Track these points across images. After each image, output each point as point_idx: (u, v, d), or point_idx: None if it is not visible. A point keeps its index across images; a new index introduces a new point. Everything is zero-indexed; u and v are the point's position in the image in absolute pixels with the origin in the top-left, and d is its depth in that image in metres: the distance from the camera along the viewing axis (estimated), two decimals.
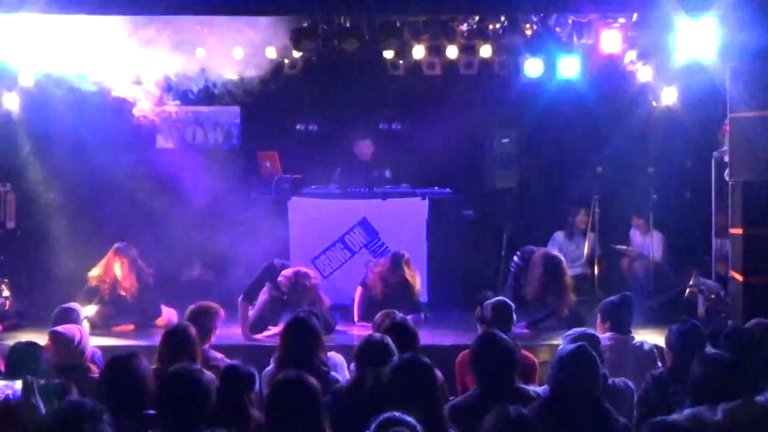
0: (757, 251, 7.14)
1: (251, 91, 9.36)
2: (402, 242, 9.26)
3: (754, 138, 7.11)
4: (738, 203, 7.34)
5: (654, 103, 9.57)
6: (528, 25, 8.75)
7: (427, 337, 6.79)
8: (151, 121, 9.27)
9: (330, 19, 8.66)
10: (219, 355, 5.74)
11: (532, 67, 9.51)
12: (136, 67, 8.54)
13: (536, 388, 4.63)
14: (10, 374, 4.65)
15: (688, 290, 8.11)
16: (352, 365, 4.77)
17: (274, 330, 7.46)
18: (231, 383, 4.17)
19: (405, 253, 8.32)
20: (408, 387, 3.97)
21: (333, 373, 5.12)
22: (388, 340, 4.74)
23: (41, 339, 5.39)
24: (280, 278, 7.56)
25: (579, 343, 4.33)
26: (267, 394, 3.94)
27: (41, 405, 4.14)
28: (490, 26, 9.01)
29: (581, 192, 9.93)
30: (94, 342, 6.00)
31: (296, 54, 9.52)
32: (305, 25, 8.76)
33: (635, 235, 10.17)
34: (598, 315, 5.97)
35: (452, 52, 9.50)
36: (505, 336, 4.75)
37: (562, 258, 8.22)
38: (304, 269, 7.71)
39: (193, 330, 5.25)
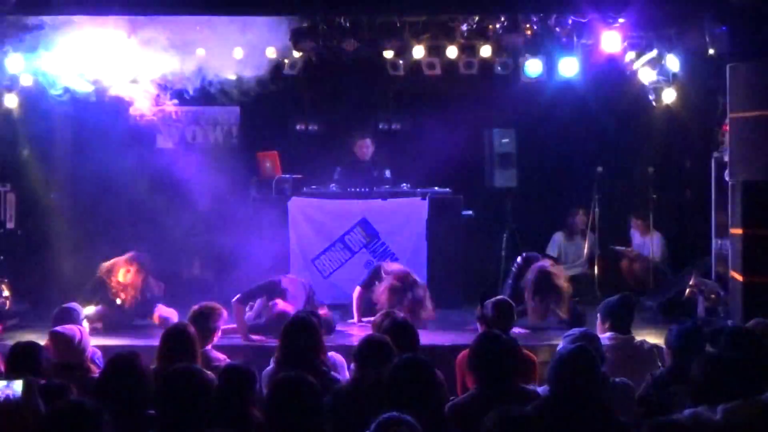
0: (757, 251, 7.13)
1: (251, 91, 9.35)
2: (402, 242, 9.28)
3: (754, 138, 7.11)
4: (738, 203, 7.33)
5: (654, 103, 9.56)
6: (528, 26, 8.74)
7: (427, 337, 6.79)
8: (150, 120, 9.26)
9: (330, 19, 8.66)
10: (221, 356, 5.75)
11: (533, 67, 9.50)
12: (134, 66, 8.54)
13: (536, 388, 4.63)
14: (10, 374, 4.64)
15: (688, 290, 8.10)
16: (352, 365, 4.77)
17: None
18: (231, 383, 4.17)
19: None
20: (408, 387, 3.98)
21: (333, 373, 5.12)
22: (388, 340, 4.74)
23: (41, 339, 5.39)
24: (276, 307, 7.51)
25: (579, 343, 4.33)
26: (267, 394, 3.94)
27: (41, 405, 4.13)
28: (490, 26, 9.01)
29: (581, 192, 9.94)
30: (94, 342, 6.00)
31: (296, 54, 9.52)
32: (305, 25, 8.76)
33: (635, 235, 10.17)
34: (598, 315, 5.97)
35: (452, 52, 9.50)
36: (505, 336, 4.75)
37: (550, 269, 7.94)
38: (290, 310, 7.38)
39: (192, 330, 5.26)
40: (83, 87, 8.51)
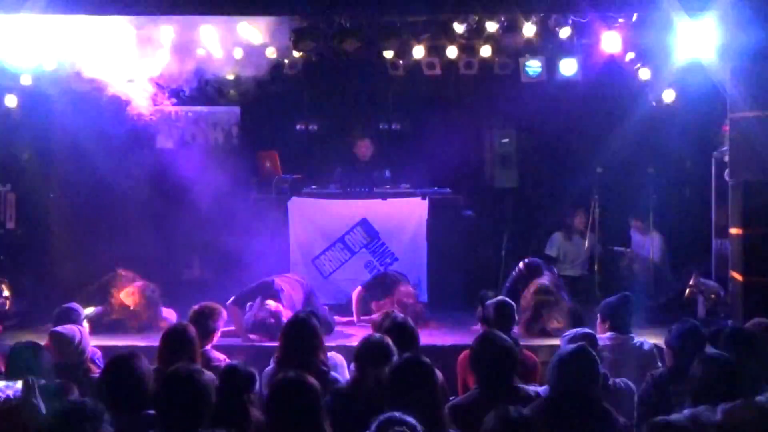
0: (757, 251, 7.13)
1: (251, 91, 9.36)
2: (402, 242, 9.28)
3: (754, 138, 7.11)
4: (738, 203, 7.34)
5: (654, 103, 9.56)
6: (528, 25, 8.74)
7: (427, 337, 6.79)
8: (148, 120, 9.25)
9: (330, 19, 8.66)
10: (221, 356, 5.75)
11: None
12: (134, 66, 8.54)
13: (536, 388, 4.63)
14: (10, 374, 4.65)
15: (688, 290, 8.10)
16: (352, 365, 4.77)
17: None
18: (231, 383, 4.17)
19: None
20: (408, 387, 3.98)
21: (333, 373, 5.12)
22: (388, 340, 4.74)
23: (41, 339, 5.39)
24: (266, 307, 7.50)
25: (579, 343, 4.34)
26: (267, 394, 3.94)
27: (41, 405, 4.14)
28: (490, 26, 9.01)
29: (581, 192, 9.94)
30: (94, 342, 6.00)
31: (296, 54, 9.52)
32: (305, 25, 8.76)
33: (635, 235, 10.16)
34: (598, 315, 5.97)
35: (452, 52, 9.50)
36: (505, 336, 4.75)
37: (551, 287, 7.79)
38: (282, 312, 7.37)
39: (193, 330, 5.26)
40: (80, 86, 8.48)
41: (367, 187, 9.55)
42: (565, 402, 4.05)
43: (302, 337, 5.13)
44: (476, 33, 9.05)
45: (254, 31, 8.68)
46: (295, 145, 10.63)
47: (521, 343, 5.89)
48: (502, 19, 8.75)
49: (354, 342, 4.97)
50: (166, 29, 8.45)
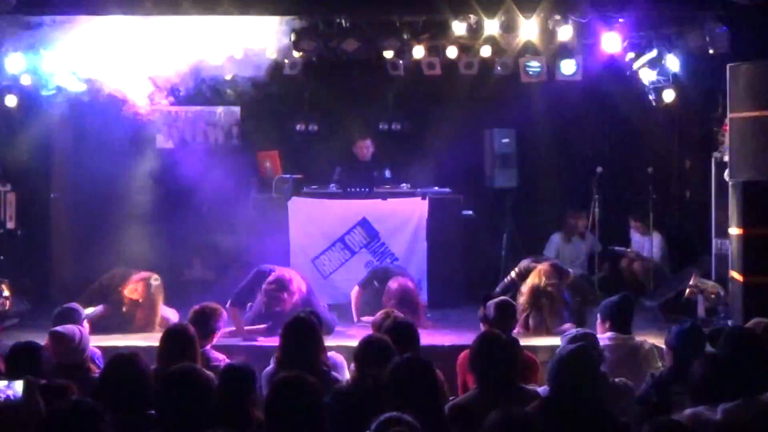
0: (757, 251, 7.13)
1: (251, 91, 9.35)
2: (402, 242, 9.28)
3: (754, 138, 7.11)
4: (738, 203, 7.33)
5: (654, 103, 9.56)
6: (528, 26, 8.72)
7: (427, 337, 6.79)
8: (145, 119, 9.25)
9: (330, 19, 8.66)
10: (221, 356, 5.75)
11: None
12: (132, 65, 8.54)
13: (536, 388, 4.63)
14: (10, 374, 4.63)
15: (688, 290, 8.10)
16: (352, 365, 4.76)
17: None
18: (231, 383, 4.17)
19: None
20: (408, 387, 3.97)
21: (333, 373, 5.12)
22: (388, 340, 4.74)
23: (41, 339, 5.38)
24: (264, 285, 7.51)
25: (579, 343, 4.33)
26: (267, 394, 3.94)
27: (41, 405, 4.13)
28: (490, 26, 9.00)
29: (581, 192, 9.94)
30: (94, 342, 6.00)
31: (296, 54, 9.52)
32: (305, 25, 8.76)
33: (634, 235, 10.17)
34: (598, 315, 5.97)
35: (452, 52, 9.49)
36: (505, 336, 4.75)
37: (543, 287, 7.82)
38: (287, 275, 7.49)
39: (192, 330, 5.26)
40: (76, 86, 8.49)
41: (367, 187, 9.55)
42: (565, 402, 4.05)
43: (302, 337, 5.13)
44: (476, 33, 9.04)
45: (254, 31, 8.68)
46: (295, 145, 10.63)
47: (521, 343, 5.88)
48: (502, 19, 8.75)
49: (354, 342, 4.96)
50: (166, 29, 8.44)
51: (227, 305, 7.29)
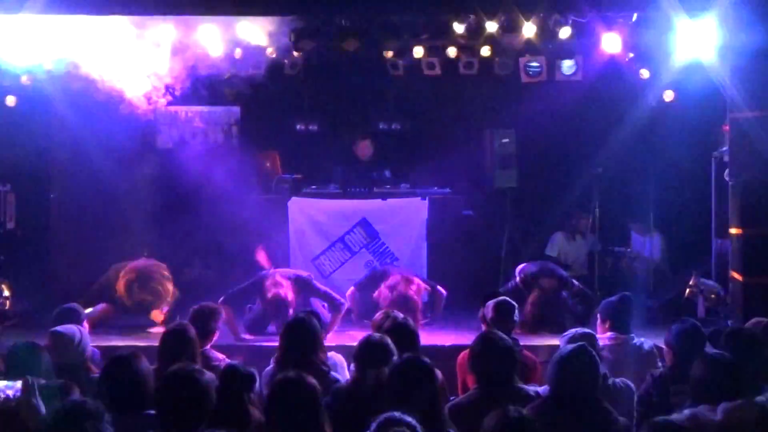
0: (757, 251, 7.14)
1: (251, 91, 9.35)
2: (402, 242, 9.28)
3: (754, 138, 7.12)
4: (738, 203, 7.34)
5: (654, 104, 9.56)
6: (528, 25, 8.73)
7: (427, 337, 6.79)
8: (143, 118, 9.25)
9: (330, 19, 8.66)
10: (220, 356, 5.75)
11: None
12: (132, 65, 8.53)
13: (536, 388, 4.63)
14: (10, 374, 4.64)
15: (688, 290, 8.10)
16: (352, 365, 4.77)
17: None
18: (231, 383, 4.17)
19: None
20: (408, 387, 3.98)
21: (333, 373, 5.12)
22: (388, 340, 4.74)
23: (41, 339, 5.38)
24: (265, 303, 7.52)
25: (579, 343, 4.33)
26: (267, 394, 3.94)
27: (41, 405, 4.13)
28: (490, 26, 9.00)
29: (581, 192, 9.93)
30: (94, 342, 6.00)
31: (296, 54, 9.52)
32: (305, 25, 8.76)
33: (635, 235, 10.17)
34: (598, 315, 5.98)
35: (452, 52, 9.49)
36: (505, 336, 4.75)
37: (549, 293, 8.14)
38: (282, 293, 7.48)
39: (192, 330, 5.26)
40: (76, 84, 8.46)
41: (367, 187, 9.56)
42: (565, 402, 4.05)
43: (302, 337, 5.13)
44: (476, 33, 9.04)
45: (254, 31, 8.68)
46: (295, 145, 10.62)
47: (521, 343, 5.89)
48: (502, 19, 8.75)
49: (354, 342, 4.97)
50: (166, 28, 8.44)
51: (219, 301, 7.28)
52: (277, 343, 5.40)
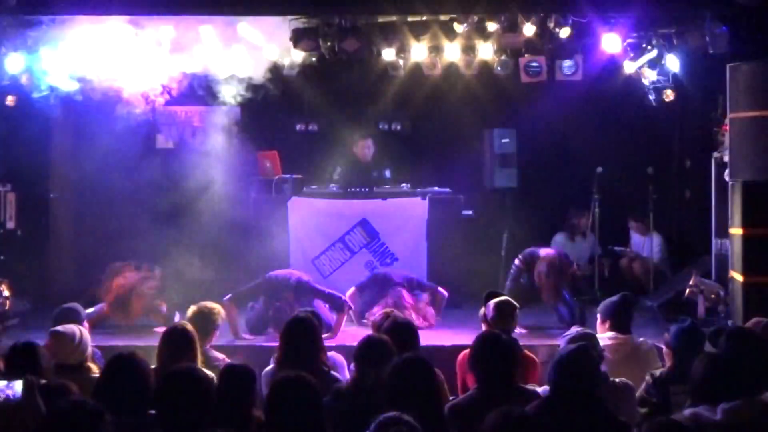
0: (757, 251, 7.14)
1: (251, 91, 9.34)
2: (402, 242, 9.28)
3: (754, 138, 7.11)
4: (738, 203, 7.34)
5: (654, 103, 9.56)
6: (528, 25, 8.73)
7: (427, 337, 6.79)
8: (140, 115, 9.24)
9: (330, 19, 8.66)
10: (220, 356, 5.75)
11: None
12: (131, 65, 8.53)
13: (536, 388, 4.63)
14: (10, 374, 4.63)
15: (688, 290, 8.10)
16: (352, 365, 4.77)
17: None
18: (231, 383, 4.17)
19: None
20: (408, 387, 3.98)
21: (333, 373, 5.12)
22: (388, 340, 4.74)
23: (41, 339, 5.38)
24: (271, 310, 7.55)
25: (579, 343, 4.33)
26: (267, 394, 3.94)
27: (41, 405, 4.13)
28: (490, 26, 9.01)
29: (581, 192, 9.93)
30: (94, 342, 6.00)
31: (296, 54, 9.52)
32: (305, 25, 8.76)
33: (634, 235, 10.17)
34: (598, 315, 5.97)
35: (452, 52, 9.49)
36: (505, 336, 4.75)
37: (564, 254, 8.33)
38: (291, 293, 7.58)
39: (192, 330, 5.26)
40: (68, 86, 8.47)
41: (367, 187, 9.55)
42: (565, 402, 4.05)
43: (302, 337, 5.13)
44: (476, 33, 9.04)
45: (254, 31, 8.68)
46: (295, 145, 10.63)
47: (521, 343, 5.88)
48: (502, 18, 8.75)
49: (354, 342, 4.97)
50: (165, 29, 8.44)
51: (225, 299, 7.31)
52: (277, 343, 5.40)
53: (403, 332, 5.10)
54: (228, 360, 5.50)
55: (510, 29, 8.88)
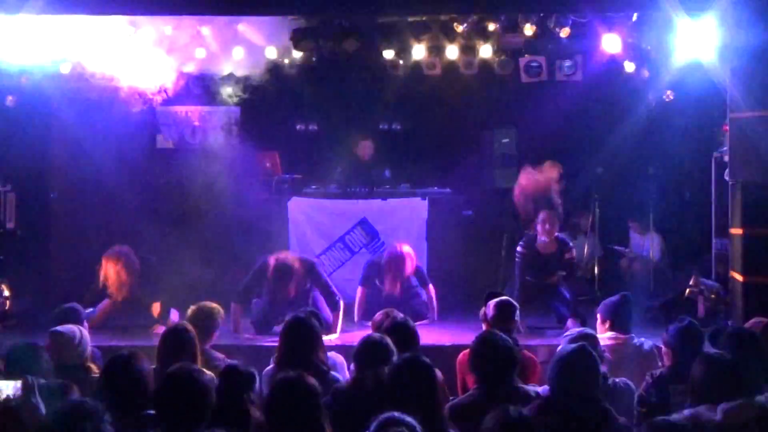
0: (757, 251, 7.13)
1: (251, 91, 9.35)
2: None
3: (754, 138, 7.10)
4: (738, 203, 7.33)
5: (653, 104, 9.56)
6: (528, 26, 8.74)
7: (427, 337, 6.79)
8: (141, 116, 9.23)
9: (330, 19, 8.66)
10: (220, 356, 5.75)
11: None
12: (132, 64, 8.53)
13: (536, 388, 4.63)
14: (10, 374, 4.64)
15: (688, 290, 8.10)
16: (352, 365, 4.77)
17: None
18: (231, 383, 4.17)
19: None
20: (408, 387, 3.98)
21: (333, 373, 5.12)
22: (388, 340, 4.74)
23: (41, 339, 5.39)
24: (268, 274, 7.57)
25: (579, 343, 4.33)
26: (267, 394, 3.94)
27: (41, 405, 4.13)
28: (490, 26, 9.01)
29: (581, 192, 9.93)
30: (94, 342, 6.00)
31: (296, 54, 9.52)
32: (305, 25, 8.76)
33: (634, 236, 10.17)
34: (598, 315, 5.97)
35: (452, 52, 9.50)
36: (505, 336, 4.75)
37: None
38: (289, 261, 7.58)
39: (192, 330, 5.26)
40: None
41: (367, 187, 9.56)
42: (565, 402, 4.05)
43: (302, 337, 5.13)
44: (476, 33, 9.05)
45: (254, 31, 8.69)
46: (295, 145, 10.63)
47: (521, 343, 5.89)
48: (502, 18, 8.75)
49: (354, 342, 4.97)
50: (166, 28, 8.45)
51: (232, 302, 7.42)
52: (277, 343, 5.40)
53: (403, 332, 5.10)
54: (228, 360, 5.50)
55: (510, 29, 8.89)
